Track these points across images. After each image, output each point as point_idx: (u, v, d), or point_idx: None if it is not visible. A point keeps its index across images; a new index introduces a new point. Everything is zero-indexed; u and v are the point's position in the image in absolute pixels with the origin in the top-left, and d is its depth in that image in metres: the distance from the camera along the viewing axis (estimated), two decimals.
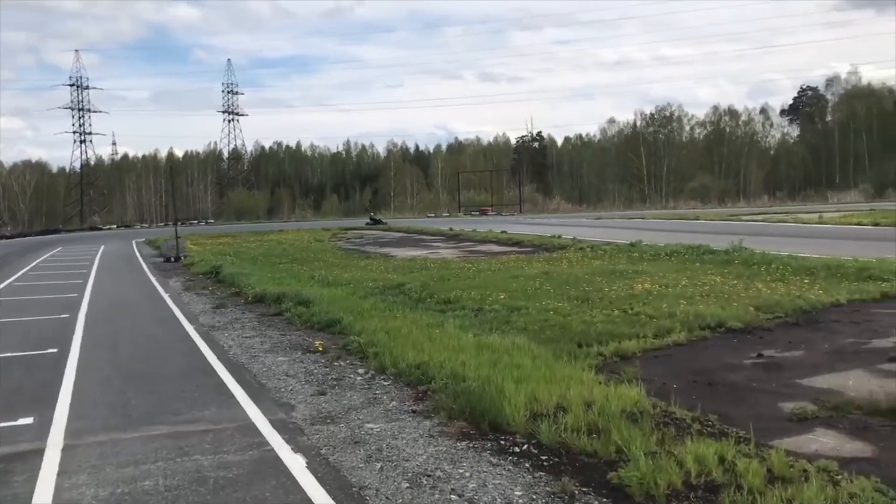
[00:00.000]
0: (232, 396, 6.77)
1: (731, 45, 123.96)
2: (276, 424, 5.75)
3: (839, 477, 4.12)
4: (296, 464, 4.83)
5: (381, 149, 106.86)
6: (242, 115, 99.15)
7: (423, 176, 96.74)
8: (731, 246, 17.09)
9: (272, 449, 5.17)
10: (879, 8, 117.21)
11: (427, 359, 7.28)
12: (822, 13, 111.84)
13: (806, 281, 12.24)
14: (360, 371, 7.49)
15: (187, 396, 6.81)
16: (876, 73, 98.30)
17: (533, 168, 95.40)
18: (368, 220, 52.29)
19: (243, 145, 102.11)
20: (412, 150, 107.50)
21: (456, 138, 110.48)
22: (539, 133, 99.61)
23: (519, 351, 7.46)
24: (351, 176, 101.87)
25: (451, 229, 37.73)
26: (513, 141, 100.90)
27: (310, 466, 4.78)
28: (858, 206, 48.78)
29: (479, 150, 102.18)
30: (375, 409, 6.07)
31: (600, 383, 6.25)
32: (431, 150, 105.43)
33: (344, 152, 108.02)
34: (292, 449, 5.14)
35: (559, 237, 27.05)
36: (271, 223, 67.26)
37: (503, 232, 32.96)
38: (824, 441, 4.86)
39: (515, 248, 25.28)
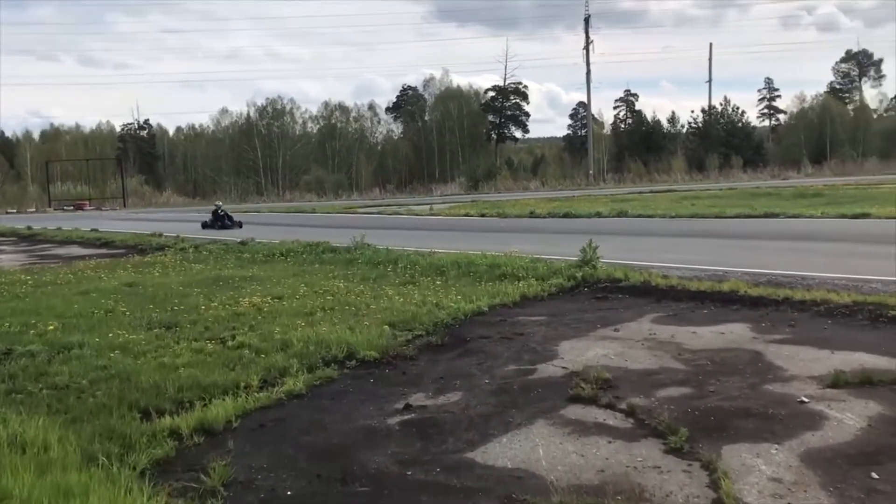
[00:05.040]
0: None
1: (337, 46, 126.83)
2: None
3: None
4: None
5: None
6: None
7: (10, 167, 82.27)
8: (353, 242, 15.24)
9: None
10: (460, 22, 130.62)
11: None
12: (415, 22, 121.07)
13: (439, 282, 10.65)
14: None
15: None
16: (464, 78, 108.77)
17: (142, 159, 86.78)
18: (208, 220, 27.35)
19: None
20: None
21: (52, 125, 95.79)
22: (147, 122, 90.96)
23: (15, 453, 4.26)
24: None
25: (28, 228, 31.21)
26: (118, 129, 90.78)
27: None
28: (460, 197, 51.76)
29: (79, 138, 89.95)
30: None
31: None
32: (21, 138, 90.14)
33: None
34: None
35: (160, 235, 23.18)
36: None
37: (94, 230, 27.77)
38: None
39: (103, 251, 20.91)
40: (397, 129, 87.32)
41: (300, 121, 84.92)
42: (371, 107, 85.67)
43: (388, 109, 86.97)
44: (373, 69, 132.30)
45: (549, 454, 4.28)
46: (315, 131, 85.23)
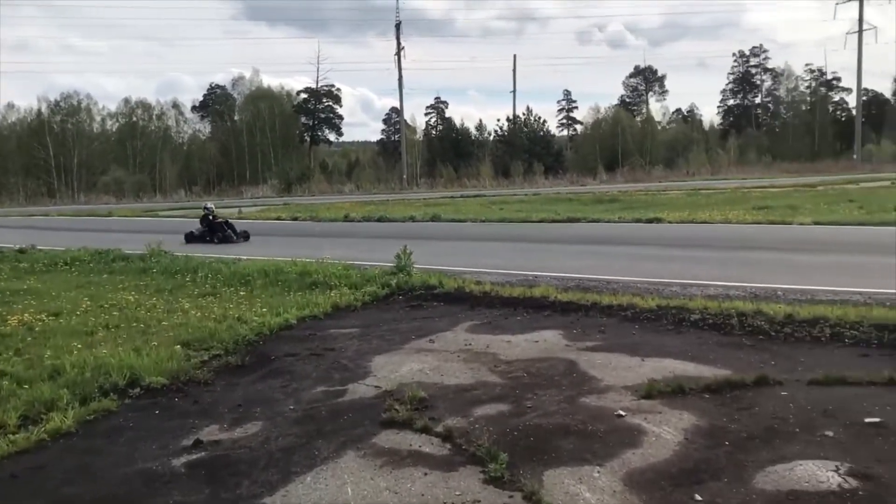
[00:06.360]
0: None
1: (139, 41, 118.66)
2: None
3: None
4: None
5: None
6: None
7: None
8: (148, 249, 13.99)
9: None
10: (270, 22, 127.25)
11: None
12: (222, 19, 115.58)
13: (243, 293, 9.88)
14: None
15: None
16: (275, 79, 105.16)
17: None
18: (196, 230, 18.94)
19: None
20: None
21: None
22: None
23: None
24: None
25: None
26: None
27: None
28: (272, 200, 50.05)
29: None
30: None
31: None
32: None
33: None
34: None
35: None
36: None
37: None
38: None
39: None
40: (205, 128, 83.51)
41: (98, 118, 78.86)
42: (175, 105, 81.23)
43: (194, 108, 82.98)
44: (178, 66, 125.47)
45: (358, 493, 3.81)
46: (114, 129, 79.55)
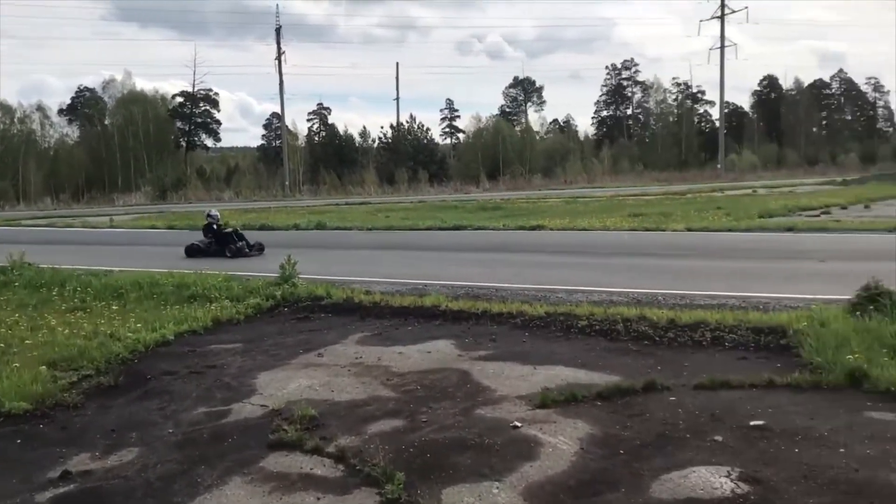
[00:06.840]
0: None
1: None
2: None
3: None
4: None
5: None
6: None
7: None
8: (10, 261, 12.96)
9: None
10: (142, 23, 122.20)
11: None
12: (91, 19, 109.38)
13: (115, 307, 9.27)
14: None
15: None
16: (148, 82, 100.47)
17: None
18: (201, 242, 15.96)
19: None
20: None
21: None
22: None
23: None
24: None
25: None
26: None
27: None
28: (146, 208, 47.86)
29: None
30: None
31: None
32: None
33: None
34: None
35: None
36: None
37: None
38: None
39: None
40: (73, 133, 79.10)
41: None
42: (40, 108, 76.47)
43: (61, 112, 78.45)
44: (43, 67, 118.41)
45: None
46: None
